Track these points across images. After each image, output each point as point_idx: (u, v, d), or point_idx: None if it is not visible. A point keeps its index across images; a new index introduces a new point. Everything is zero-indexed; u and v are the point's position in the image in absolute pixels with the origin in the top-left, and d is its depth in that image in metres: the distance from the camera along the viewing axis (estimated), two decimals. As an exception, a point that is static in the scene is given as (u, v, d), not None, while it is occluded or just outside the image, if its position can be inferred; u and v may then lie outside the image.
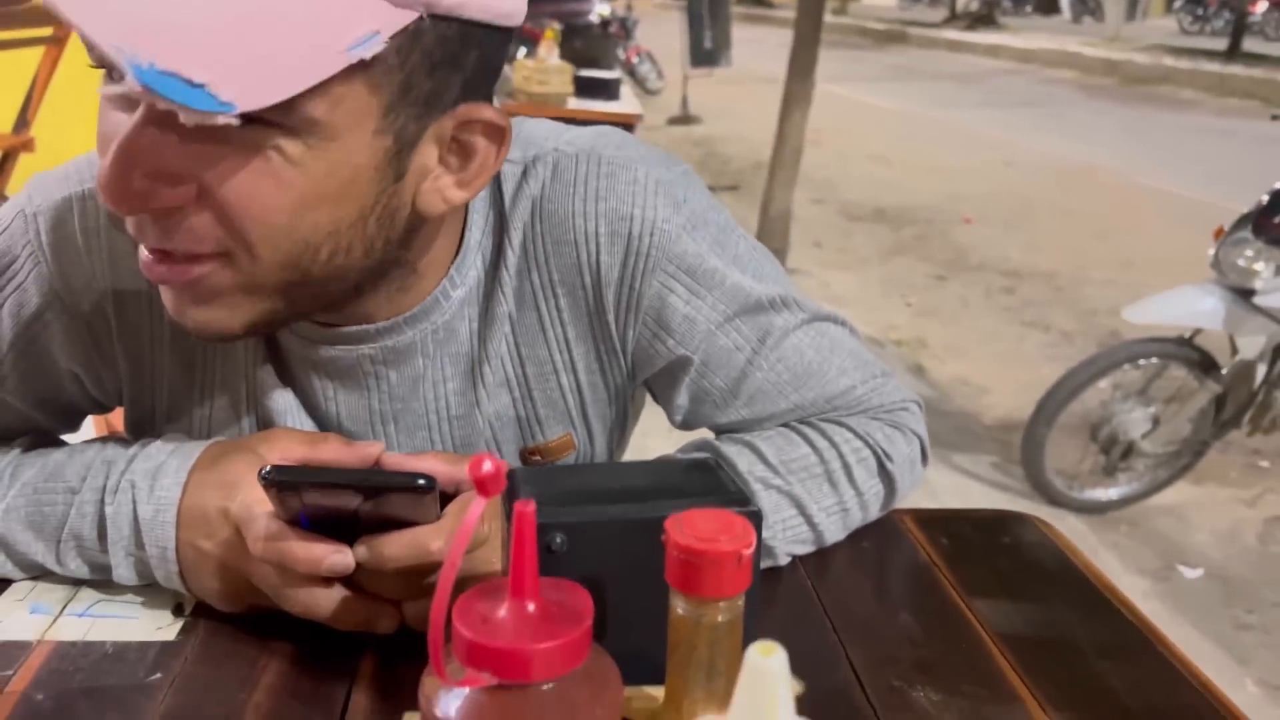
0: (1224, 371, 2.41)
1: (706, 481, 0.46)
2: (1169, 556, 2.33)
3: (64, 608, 0.60)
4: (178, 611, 0.60)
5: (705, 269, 0.65)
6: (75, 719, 0.52)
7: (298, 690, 0.55)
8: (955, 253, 4.55)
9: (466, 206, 0.63)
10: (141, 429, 0.69)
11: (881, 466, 0.69)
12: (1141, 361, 2.46)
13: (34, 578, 0.63)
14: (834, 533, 0.69)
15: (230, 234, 0.50)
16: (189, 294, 0.53)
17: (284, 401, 0.66)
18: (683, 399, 0.69)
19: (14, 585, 0.62)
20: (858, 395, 0.71)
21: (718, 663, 0.35)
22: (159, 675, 0.55)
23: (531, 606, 0.34)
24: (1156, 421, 2.49)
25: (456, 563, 0.31)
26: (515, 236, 0.64)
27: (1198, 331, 2.42)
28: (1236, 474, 2.72)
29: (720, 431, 0.72)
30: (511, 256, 0.64)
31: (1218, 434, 2.49)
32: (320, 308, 0.58)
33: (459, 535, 0.31)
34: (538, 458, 0.70)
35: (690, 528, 0.34)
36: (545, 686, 0.34)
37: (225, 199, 0.49)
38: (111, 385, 0.67)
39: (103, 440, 0.65)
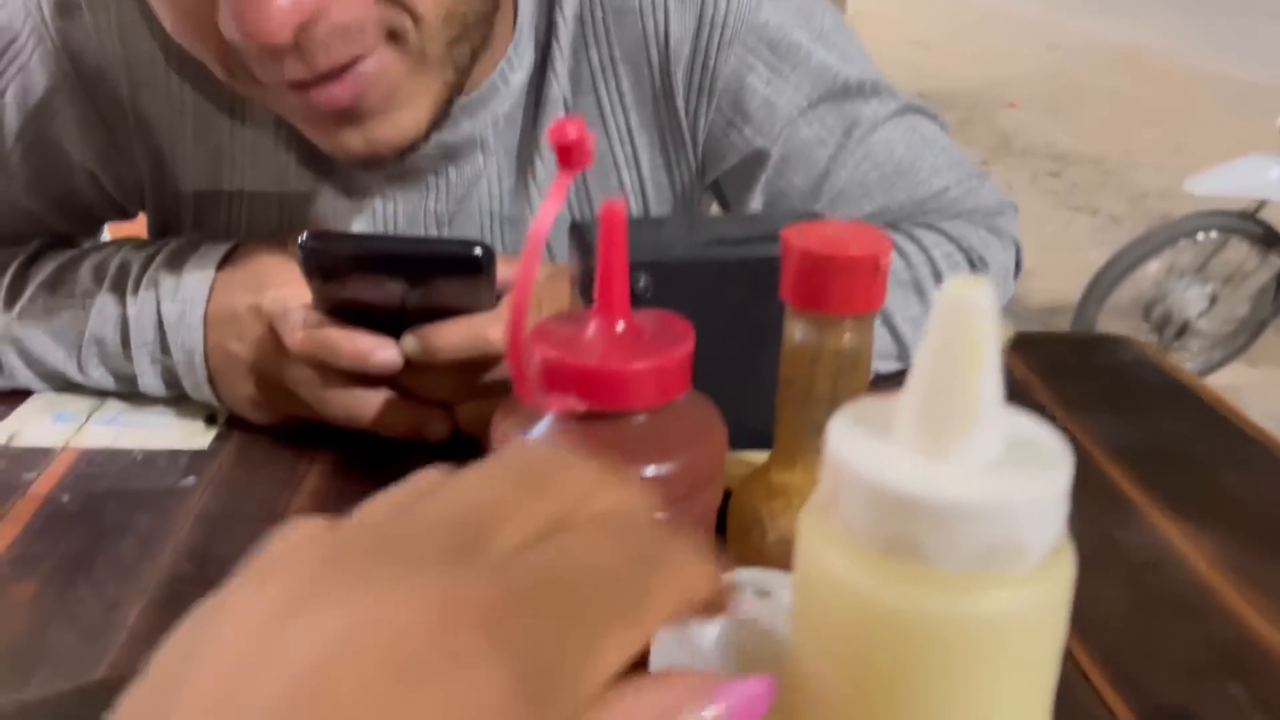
0: (1289, 246, 2.30)
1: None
2: (1222, 437, 2.26)
3: (89, 416, 0.56)
4: (210, 422, 0.56)
5: (789, 43, 0.57)
6: (103, 520, 0.47)
7: (344, 494, 0.50)
8: (999, 138, 4.37)
9: None
10: (166, 235, 0.63)
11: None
12: (1201, 236, 2.35)
13: (57, 390, 0.58)
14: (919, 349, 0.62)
15: (392, 5, 0.45)
16: (368, 106, 0.47)
17: (325, 206, 0.60)
18: (756, 202, 0.62)
19: (36, 394, 0.58)
20: (951, 198, 0.63)
21: (840, 400, 0.29)
22: (192, 479, 0.51)
23: (621, 326, 0.28)
24: (1213, 300, 2.40)
25: (539, 246, 0.25)
26: (569, 5, 0.57)
27: (1262, 205, 2.30)
28: (1294, 355, 2.62)
29: None
30: (564, 29, 0.57)
31: (1277, 312, 2.39)
32: (468, 68, 0.52)
33: (542, 214, 0.25)
34: None
35: (814, 233, 0.28)
36: (638, 418, 0.28)
37: None
38: (131, 185, 0.62)
39: (122, 240, 0.59)
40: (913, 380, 0.19)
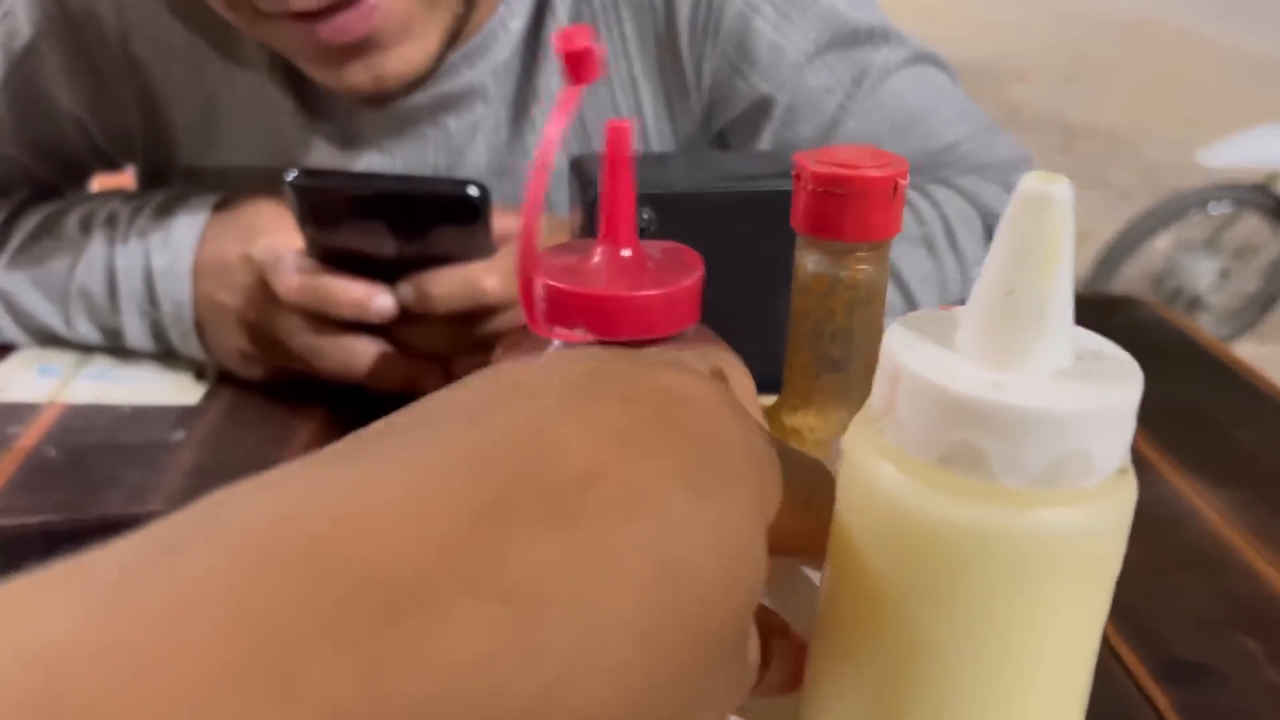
0: (1302, 219, 2.28)
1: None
2: (1230, 411, 2.25)
3: (76, 371, 0.54)
4: (199, 377, 0.54)
5: None
6: (91, 473, 0.46)
7: (337, 447, 0.49)
8: (1008, 110, 4.32)
9: None
10: (155, 186, 0.62)
11: (989, 231, 0.61)
12: (1212, 208, 2.32)
13: (42, 345, 0.57)
14: (930, 306, 0.61)
15: None
16: (379, 38, 0.46)
17: (318, 157, 0.59)
18: None
19: (21, 349, 0.57)
20: (964, 151, 0.61)
21: (855, 335, 0.28)
22: (182, 434, 0.50)
23: (628, 253, 0.27)
24: (1224, 274, 2.37)
25: (548, 163, 0.23)
26: None
27: (1275, 177, 2.27)
28: (1304, 330, 2.60)
29: None
30: None
31: (1289, 287, 2.37)
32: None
33: (549, 132, 0.23)
34: None
35: (828, 157, 0.27)
36: (647, 350, 0.27)
37: None
38: (120, 134, 0.60)
39: (110, 192, 0.58)
40: (980, 283, 0.18)
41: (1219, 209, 2.31)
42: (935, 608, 0.17)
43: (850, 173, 0.26)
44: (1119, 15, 5.94)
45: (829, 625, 0.19)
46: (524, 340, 0.28)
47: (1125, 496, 0.17)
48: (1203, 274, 2.35)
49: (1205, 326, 2.42)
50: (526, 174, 0.61)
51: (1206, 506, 0.47)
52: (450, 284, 0.46)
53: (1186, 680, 0.37)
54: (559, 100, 0.24)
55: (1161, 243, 2.36)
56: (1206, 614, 0.40)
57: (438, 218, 0.44)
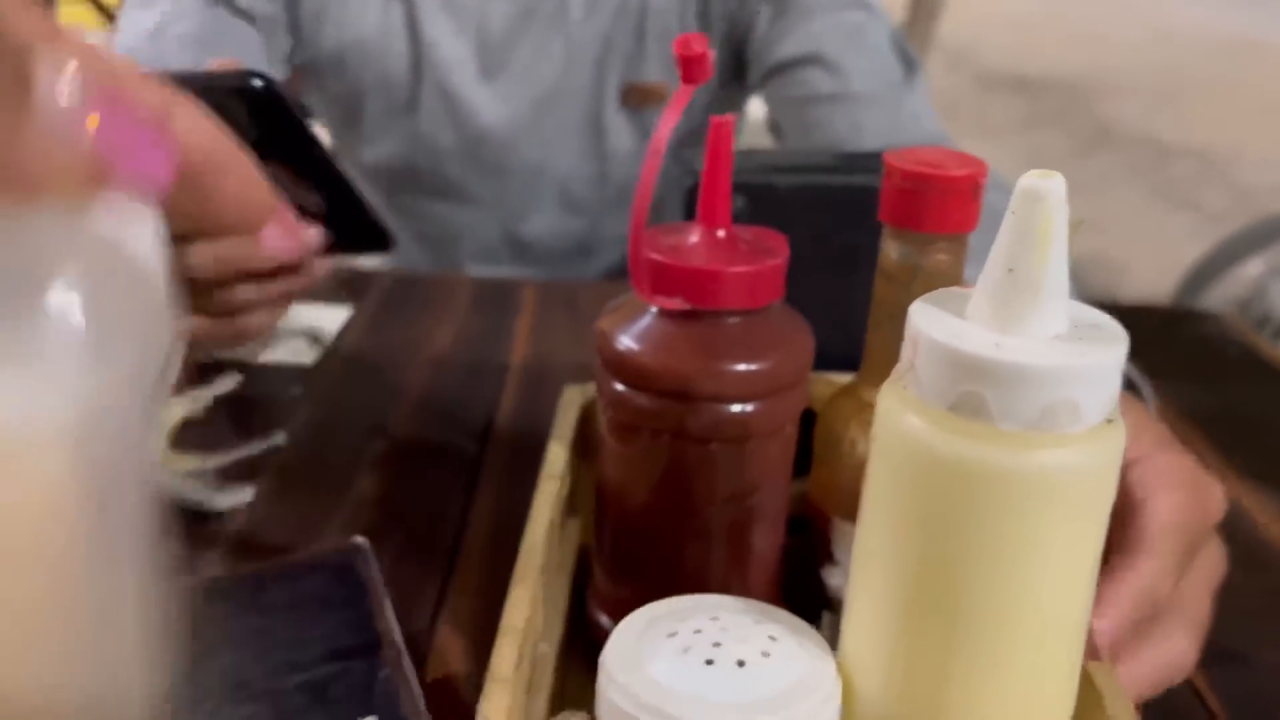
0: (1401, 248, 2.20)
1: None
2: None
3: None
4: (314, 342, 0.60)
5: None
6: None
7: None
8: (1100, 127, 4.24)
9: None
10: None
11: None
12: (1307, 234, 2.25)
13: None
14: None
15: None
16: None
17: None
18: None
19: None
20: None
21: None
22: (299, 389, 0.55)
23: (722, 233, 0.31)
24: (1315, 301, 2.30)
25: (659, 156, 0.27)
26: None
27: (1376, 204, 2.20)
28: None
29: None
30: None
31: (1384, 318, 2.29)
32: None
33: (662, 125, 0.27)
34: (633, 102, 0.74)
35: (915, 156, 0.30)
36: (733, 319, 0.30)
37: None
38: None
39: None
40: (988, 263, 0.21)
41: (1313, 235, 2.24)
42: (949, 531, 0.21)
43: (935, 171, 0.29)
44: (1216, 34, 5.76)
45: (864, 551, 0.23)
46: (628, 306, 0.32)
47: (1112, 443, 0.21)
48: (1292, 301, 2.29)
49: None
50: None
51: (1261, 510, 0.48)
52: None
53: (1224, 662, 0.39)
54: (673, 98, 0.28)
55: (1252, 267, 2.30)
56: (1250, 607, 0.42)
57: (234, 112, 0.35)
